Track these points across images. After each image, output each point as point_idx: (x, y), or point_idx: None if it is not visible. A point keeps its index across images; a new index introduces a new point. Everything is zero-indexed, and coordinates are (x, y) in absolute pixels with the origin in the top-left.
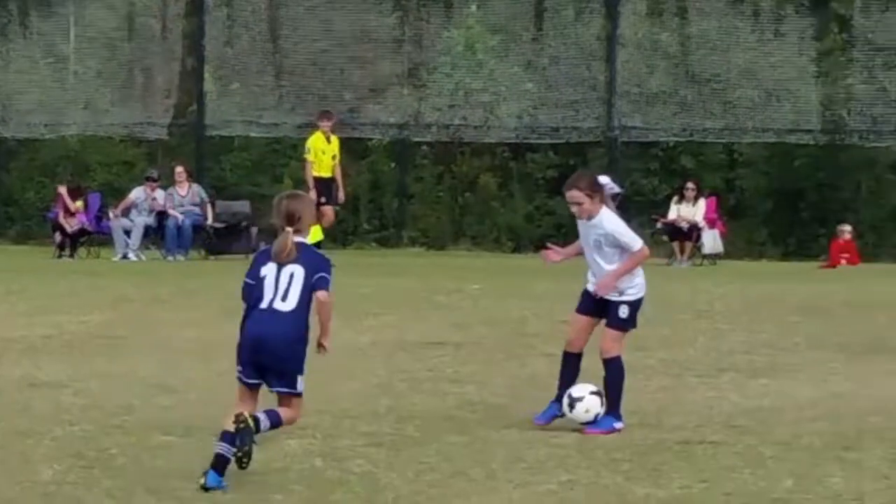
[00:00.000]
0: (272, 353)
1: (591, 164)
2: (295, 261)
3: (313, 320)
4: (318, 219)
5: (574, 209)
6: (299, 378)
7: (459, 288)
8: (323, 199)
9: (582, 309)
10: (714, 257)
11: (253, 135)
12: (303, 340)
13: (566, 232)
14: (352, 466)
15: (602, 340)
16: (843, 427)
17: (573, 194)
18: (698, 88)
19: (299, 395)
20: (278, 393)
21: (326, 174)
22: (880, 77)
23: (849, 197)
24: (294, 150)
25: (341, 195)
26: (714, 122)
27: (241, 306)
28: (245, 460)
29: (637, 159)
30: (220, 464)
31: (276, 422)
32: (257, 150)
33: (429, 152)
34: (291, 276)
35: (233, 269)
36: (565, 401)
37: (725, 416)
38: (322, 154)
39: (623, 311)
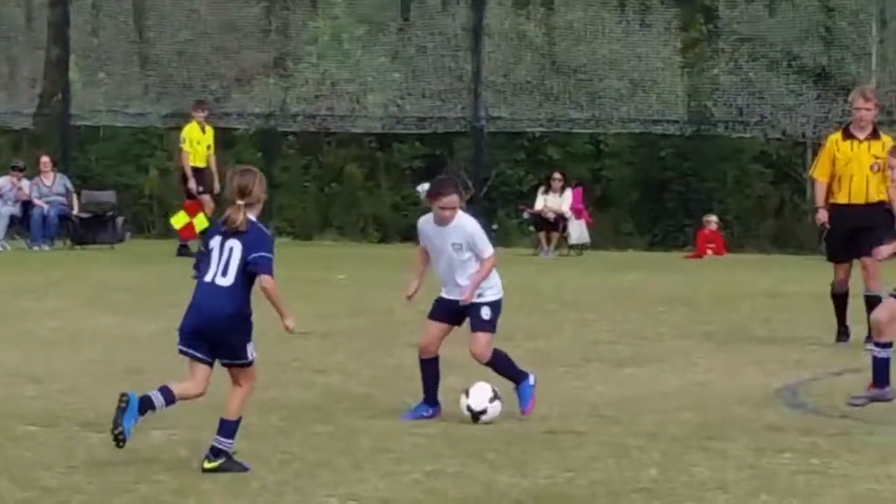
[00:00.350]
0: (212, 328)
1: (458, 155)
2: (236, 235)
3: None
4: (200, 207)
5: (446, 213)
6: (248, 346)
7: (325, 278)
8: (200, 189)
9: (437, 316)
10: (580, 247)
11: (118, 125)
12: (241, 314)
13: None
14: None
15: (474, 348)
16: (708, 416)
17: (453, 199)
18: (564, 79)
19: (249, 363)
20: (227, 366)
21: (201, 164)
22: (745, 68)
23: (714, 187)
24: (160, 140)
25: (217, 185)
26: (580, 112)
27: (105, 296)
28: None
29: (503, 150)
30: (144, 404)
31: (230, 428)
32: (123, 140)
33: (295, 142)
34: (231, 250)
35: (98, 258)
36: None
37: (591, 406)
38: (197, 144)
39: (486, 313)
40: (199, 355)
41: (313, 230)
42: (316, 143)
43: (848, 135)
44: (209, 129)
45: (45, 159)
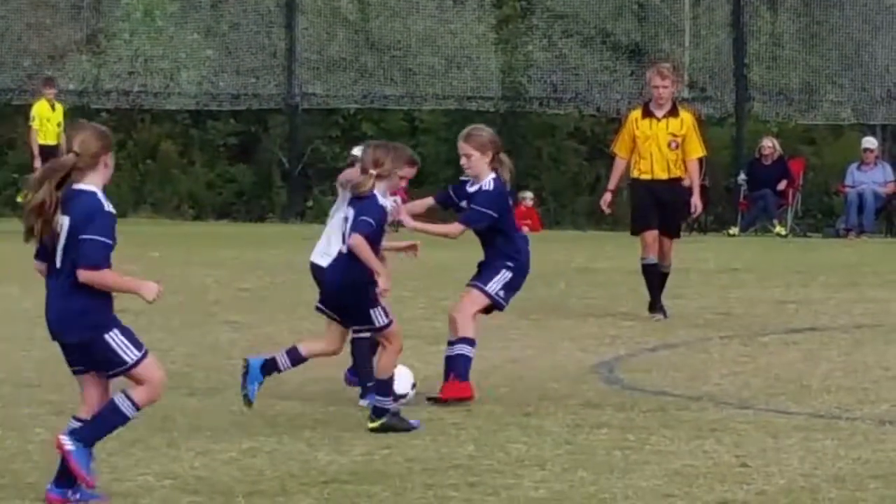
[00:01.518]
0: (331, 295)
1: (273, 132)
2: (352, 203)
3: None
4: None
5: (404, 183)
6: (372, 311)
7: (140, 255)
8: None
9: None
10: (397, 224)
11: None
12: (355, 281)
13: (247, 199)
14: (32, 436)
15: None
16: (524, 393)
17: None
18: (379, 55)
19: (381, 328)
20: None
21: (52, 141)
22: (559, 44)
23: (530, 164)
24: None
25: None
26: (395, 89)
27: None
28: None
29: (318, 126)
30: (269, 366)
31: (384, 386)
32: None
33: (109, 119)
34: (346, 218)
35: None
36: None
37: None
38: (47, 122)
39: None
40: (333, 315)
41: (128, 207)
42: (130, 120)
43: (647, 112)
44: (59, 107)
45: None
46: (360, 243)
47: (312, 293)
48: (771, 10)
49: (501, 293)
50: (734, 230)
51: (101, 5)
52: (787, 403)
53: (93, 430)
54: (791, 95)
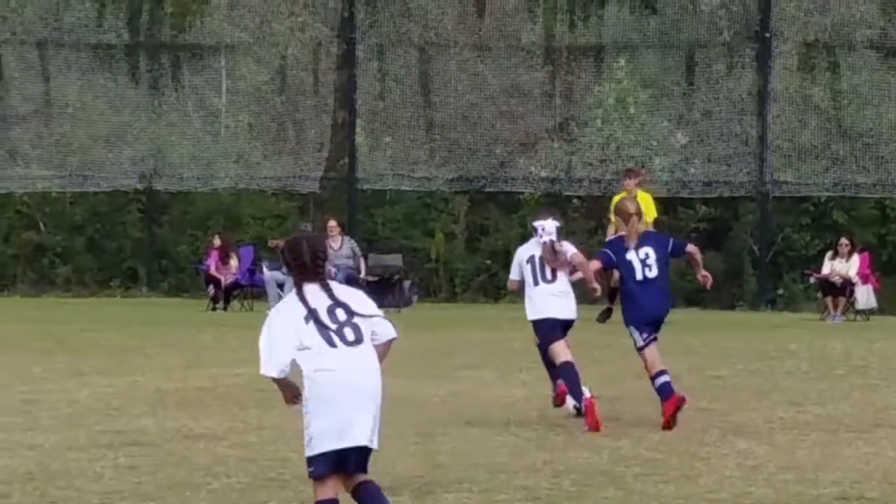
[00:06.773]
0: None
1: (743, 219)
2: None
3: None
4: None
5: None
6: None
7: (613, 342)
8: None
9: None
10: (868, 313)
11: (404, 188)
12: None
13: (718, 286)
14: None
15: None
16: None
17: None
18: (850, 143)
19: None
20: None
21: None
22: None
23: None
24: (445, 203)
25: None
26: (866, 177)
27: (393, 360)
28: None
29: (789, 214)
30: None
31: None
32: (409, 203)
33: (581, 206)
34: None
35: None
36: None
37: (882, 472)
38: None
39: None
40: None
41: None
42: (602, 207)
43: None
44: (645, 196)
45: (332, 223)
46: None
47: (788, 381)
48: None
49: None
50: None
51: (572, 93)
52: None
53: None
54: None
